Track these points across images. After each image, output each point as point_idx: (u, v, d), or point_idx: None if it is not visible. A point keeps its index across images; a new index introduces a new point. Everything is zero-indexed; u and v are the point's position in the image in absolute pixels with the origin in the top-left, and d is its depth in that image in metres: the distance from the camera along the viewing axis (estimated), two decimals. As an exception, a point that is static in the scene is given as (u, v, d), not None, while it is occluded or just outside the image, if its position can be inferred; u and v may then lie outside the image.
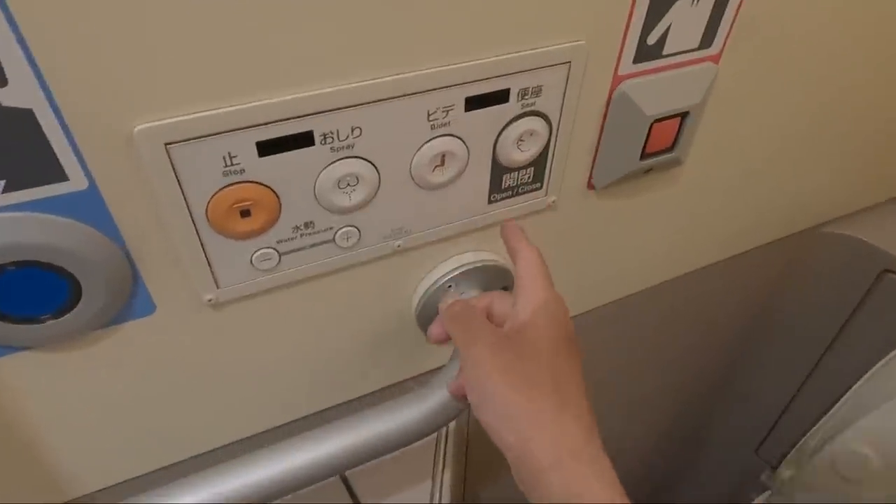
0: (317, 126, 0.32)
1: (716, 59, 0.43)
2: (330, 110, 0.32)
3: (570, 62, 0.37)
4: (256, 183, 0.33)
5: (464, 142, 0.37)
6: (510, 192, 0.42)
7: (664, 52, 0.40)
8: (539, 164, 0.42)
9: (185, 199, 0.31)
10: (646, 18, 0.37)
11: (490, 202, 0.42)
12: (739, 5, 0.40)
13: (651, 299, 0.63)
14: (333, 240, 0.38)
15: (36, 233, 0.29)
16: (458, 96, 0.35)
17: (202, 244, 0.34)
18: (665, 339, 0.75)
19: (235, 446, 0.47)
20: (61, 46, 0.25)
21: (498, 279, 0.47)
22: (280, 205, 0.34)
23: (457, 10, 0.32)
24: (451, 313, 0.38)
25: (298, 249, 0.37)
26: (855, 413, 0.71)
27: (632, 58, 0.39)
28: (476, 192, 0.41)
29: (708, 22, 0.40)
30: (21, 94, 0.25)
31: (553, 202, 0.45)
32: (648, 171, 0.47)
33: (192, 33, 0.27)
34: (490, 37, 0.33)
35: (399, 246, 0.41)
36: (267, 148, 0.31)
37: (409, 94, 0.33)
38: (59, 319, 0.32)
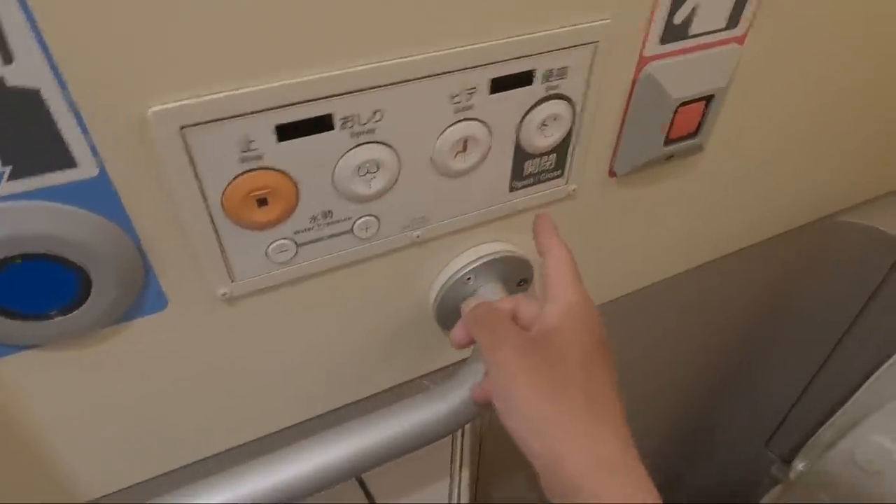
0: (337, 109, 0.30)
1: (741, 40, 0.42)
2: (351, 92, 0.30)
3: (596, 42, 0.35)
4: (274, 170, 0.31)
5: (487, 126, 0.36)
6: (531, 180, 0.41)
7: (690, 33, 0.39)
8: (561, 150, 0.40)
9: (200, 186, 0.30)
10: (674, -4, 0.36)
11: (511, 190, 0.41)
12: (767, -17, 0.39)
13: (665, 292, 0.62)
14: (352, 230, 0.36)
15: (44, 223, 0.27)
16: (483, 78, 0.33)
17: (217, 235, 0.32)
18: (678, 332, 0.74)
19: (248, 447, 0.45)
20: (71, 20, 0.23)
21: (518, 271, 0.46)
22: (298, 193, 0.33)
23: (483, -15, 0.30)
24: (474, 315, 0.37)
25: (316, 241, 0.36)
26: (873, 403, 0.70)
27: (658, 38, 0.38)
28: (497, 180, 0.39)
29: (735, 1, 0.39)
30: (28, 72, 0.23)
31: (573, 191, 0.43)
32: (670, 157, 0.45)
33: (210, 7, 0.25)
34: (516, 15, 0.32)
35: (418, 237, 0.39)
36: (286, 132, 0.30)
37: (432, 75, 0.32)
38: (68, 316, 0.31)
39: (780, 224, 0.65)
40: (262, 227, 0.33)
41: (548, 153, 0.40)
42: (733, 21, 0.40)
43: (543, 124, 0.37)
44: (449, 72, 0.32)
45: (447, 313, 0.45)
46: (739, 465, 1.07)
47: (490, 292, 0.44)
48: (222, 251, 0.33)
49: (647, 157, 0.43)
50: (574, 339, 0.32)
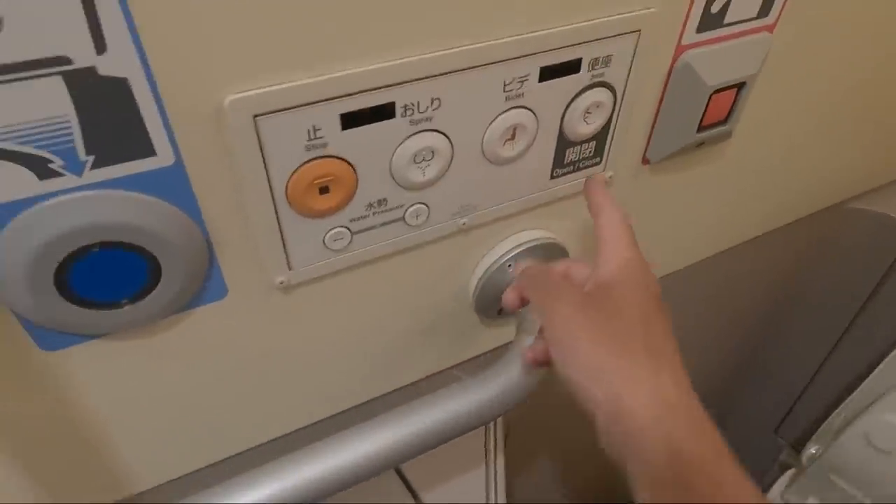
0: (399, 97, 0.31)
1: (771, 28, 0.43)
2: (412, 80, 0.31)
3: (639, 31, 0.36)
4: (338, 158, 0.32)
5: (535, 114, 0.36)
6: (571, 168, 0.42)
7: (725, 21, 0.40)
8: (601, 137, 0.41)
9: (267, 174, 0.30)
10: (712, -15, 0.37)
11: (552, 178, 0.42)
12: (798, -27, 0.40)
13: (689, 278, 0.63)
14: (403, 218, 0.37)
15: (124, 212, 0.28)
16: (534, 66, 0.34)
17: (279, 223, 0.33)
18: (697, 320, 0.75)
19: (292, 437, 0.46)
20: (163, 12, 0.24)
21: (557, 258, 0.46)
22: (357, 181, 0.33)
23: (539, -25, 0.31)
24: (527, 275, 0.36)
25: (370, 228, 0.36)
26: (887, 384, 0.71)
27: (696, 27, 0.39)
28: (540, 167, 0.40)
29: (768, -11, 0.40)
30: (119, 62, 0.24)
31: (610, 178, 0.44)
32: (700, 145, 0.46)
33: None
34: (568, 4, 0.33)
35: (464, 224, 0.40)
36: (350, 120, 0.31)
37: (488, 64, 0.33)
38: (137, 304, 0.31)
39: (796, 211, 0.66)
40: (323, 214, 0.34)
41: (588, 140, 0.41)
42: (765, 10, 0.41)
43: (587, 112, 0.38)
44: (502, 60, 0.33)
45: (487, 300, 0.46)
46: (748, 452, 1.08)
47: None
48: (283, 240, 0.34)
49: (681, 143, 0.44)
50: (631, 294, 0.32)
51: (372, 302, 0.41)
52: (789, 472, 0.95)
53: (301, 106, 0.29)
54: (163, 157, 0.28)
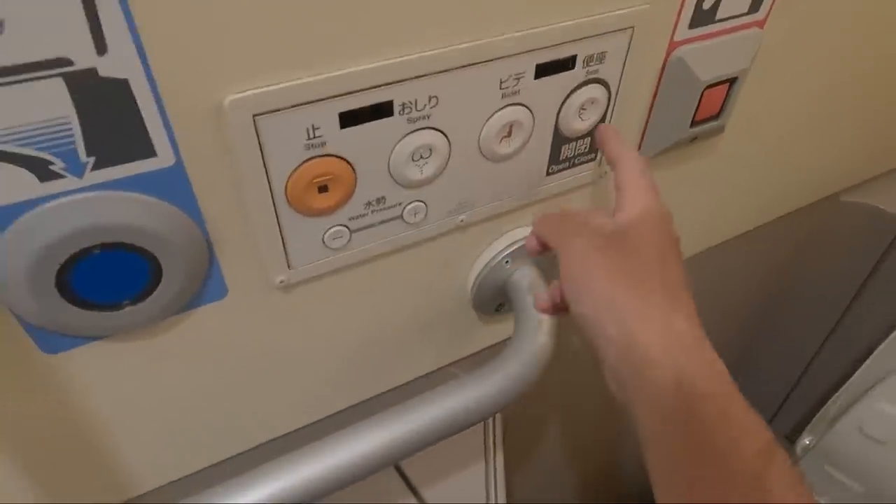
0: (397, 95, 0.31)
1: (761, 24, 0.43)
2: (410, 78, 0.31)
3: (633, 27, 0.37)
4: (336, 156, 0.32)
5: (531, 111, 0.37)
6: (567, 164, 0.42)
7: (717, 17, 0.41)
8: (596, 133, 0.42)
9: (266, 173, 0.31)
10: (704, -18, 0.38)
11: (548, 174, 0.42)
12: (787, -31, 0.41)
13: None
14: (401, 216, 0.37)
15: (125, 212, 0.28)
16: (530, 63, 0.35)
17: (279, 222, 0.33)
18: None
19: (292, 436, 0.46)
20: (163, 13, 0.24)
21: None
22: (356, 179, 0.34)
23: (534, -27, 0.31)
24: (546, 218, 0.36)
25: (368, 227, 0.36)
26: (879, 374, 0.72)
27: (688, 23, 0.39)
28: (536, 164, 0.41)
29: (758, -15, 0.40)
30: (119, 63, 0.24)
31: (605, 173, 0.45)
32: (693, 139, 0.47)
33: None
34: (561, 2, 0.33)
35: (461, 221, 0.40)
36: (349, 119, 0.31)
37: (485, 62, 0.33)
38: (138, 305, 0.31)
39: (787, 204, 0.67)
40: (322, 213, 0.34)
41: (583, 137, 0.41)
42: (756, 5, 0.42)
43: (582, 108, 0.39)
44: (499, 58, 0.33)
45: (485, 296, 0.46)
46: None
47: (527, 274, 0.45)
48: (282, 239, 0.34)
49: (675, 138, 0.45)
50: (649, 238, 0.32)
51: (371, 300, 0.42)
52: (784, 464, 0.96)
53: (300, 105, 0.29)
54: (163, 158, 0.28)
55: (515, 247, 0.44)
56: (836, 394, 0.78)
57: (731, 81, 0.44)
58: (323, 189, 0.33)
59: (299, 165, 0.31)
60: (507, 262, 0.45)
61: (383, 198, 0.36)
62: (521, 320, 0.44)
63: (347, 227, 0.36)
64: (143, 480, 0.42)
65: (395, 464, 0.48)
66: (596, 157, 0.43)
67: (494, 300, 0.48)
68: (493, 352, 0.48)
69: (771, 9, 0.43)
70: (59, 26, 0.22)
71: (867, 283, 0.77)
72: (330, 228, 0.35)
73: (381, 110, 0.32)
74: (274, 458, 0.39)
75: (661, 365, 0.28)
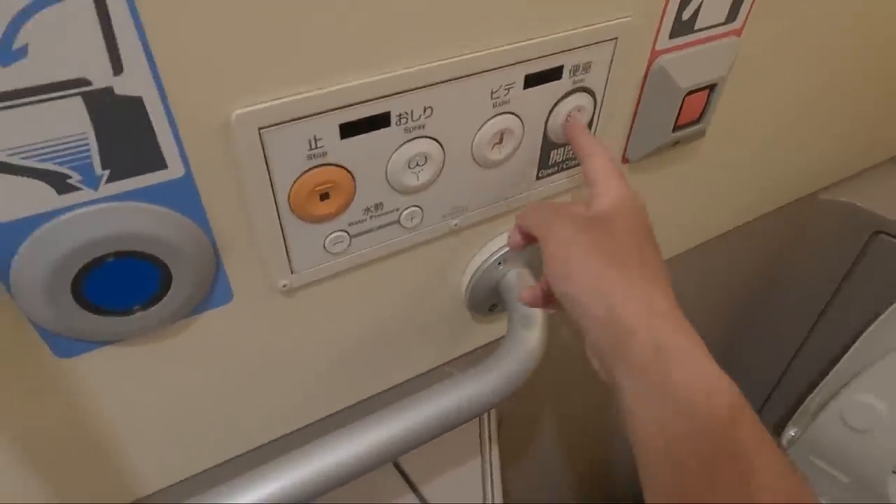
0: (394, 107, 0.33)
1: (738, 32, 0.46)
2: (406, 91, 0.33)
3: (616, 38, 0.39)
4: (337, 165, 0.33)
5: (520, 119, 0.39)
6: (556, 168, 0.44)
7: (696, 27, 0.43)
8: (583, 139, 0.43)
9: (271, 183, 0.32)
10: (683, -6, 0.40)
11: (538, 178, 0.44)
12: (762, -20, 0.43)
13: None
14: (398, 221, 0.39)
15: (137, 222, 0.29)
16: (519, 74, 0.36)
17: (282, 229, 0.34)
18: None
19: (293, 436, 0.47)
20: (176, 35, 0.25)
21: (543, 254, 0.49)
22: (355, 187, 0.35)
23: (522, -11, 0.33)
24: (526, 209, 0.38)
25: (367, 231, 0.38)
26: (859, 366, 0.75)
27: (668, 33, 0.41)
28: (527, 169, 0.43)
29: (735, -4, 0.43)
30: (134, 82, 0.25)
31: (592, 177, 0.47)
32: (676, 143, 0.49)
33: (291, 15, 0.27)
34: (549, 15, 0.35)
35: (455, 225, 0.42)
36: (348, 130, 0.32)
37: (477, 73, 0.35)
38: (148, 311, 0.33)
39: (767, 203, 0.69)
40: (323, 219, 0.35)
41: (571, 142, 0.43)
42: (732, 15, 0.44)
43: (569, 116, 0.40)
44: (490, 69, 0.35)
45: (480, 296, 0.48)
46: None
47: (519, 276, 0.47)
48: (286, 245, 0.35)
49: (658, 143, 0.47)
50: (626, 223, 0.34)
51: (370, 302, 0.43)
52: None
53: (303, 118, 0.31)
54: (173, 170, 0.29)
55: (508, 249, 0.46)
56: (819, 387, 0.81)
57: (711, 88, 0.46)
58: (324, 196, 0.34)
59: (302, 175, 0.33)
60: (499, 263, 0.46)
61: (381, 204, 0.37)
62: (514, 319, 0.46)
63: (347, 232, 0.37)
64: (149, 481, 0.43)
65: (394, 460, 0.49)
66: (583, 161, 0.45)
67: (488, 300, 0.49)
68: (487, 350, 0.50)
69: (747, 18, 0.45)
70: (79, 49, 0.24)
71: (846, 278, 0.80)
72: (331, 234, 0.37)
73: (379, 121, 0.33)
74: (276, 457, 0.41)
75: (640, 334, 0.29)
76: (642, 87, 0.44)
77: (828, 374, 0.80)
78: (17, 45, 0.22)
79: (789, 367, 0.95)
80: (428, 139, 0.36)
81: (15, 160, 0.25)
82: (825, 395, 0.81)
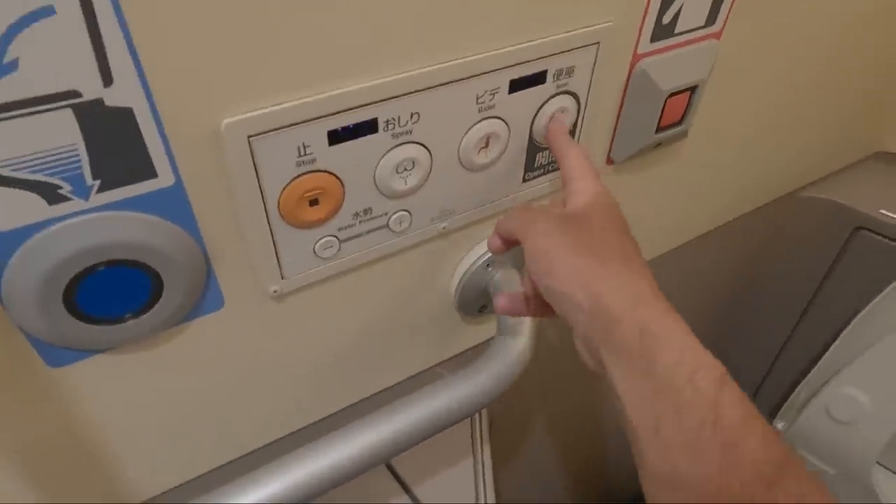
0: (381, 113, 0.34)
1: (718, 35, 0.47)
2: (393, 97, 0.33)
3: (598, 43, 0.39)
4: (325, 171, 0.34)
5: (506, 123, 0.39)
6: (541, 171, 0.45)
7: (676, 31, 0.43)
8: (567, 142, 0.44)
9: (260, 190, 0.32)
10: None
11: (524, 181, 0.44)
12: (739, -16, 0.44)
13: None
14: (387, 225, 0.39)
15: (128, 231, 0.29)
16: (504, 79, 0.37)
17: (272, 235, 0.35)
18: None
19: (287, 440, 0.48)
20: (164, 45, 0.26)
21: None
22: (344, 192, 0.36)
23: (505, -3, 0.34)
24: (506, 215, 0.39)
25: (357, 236, 0.38)
26: (843, 360, 0.76)
27: (649, 37, 0.42)
28: (513, 172, 0.43)
29: (713, 1, 0.43)
30: (124, 93, 0.26)
31: (577, 178, 0.47)
32: (659, 144, 0.50)
33: (278, 25, 0.28)
34: (533, 21, 0.36)
35: (444, 228, 0.43)
36: (336, 136, 0.33)
37: (462, 79, 0.35)
38: (139, 318, 0.33)
39: (749, 202, 0.70)
40: (312, 225, 0.36)
41: (556, 145, 0.44)
42: (711, 19, 0.45)
43: (552, 117, 0.41)
44: (475, 75, 0.36)
45: (469, 298, 0.49)
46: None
47: (508, 277, 0.47)
48: (276, 251, 0.36)
49: (641, 144, 0.48)
50: (603, 220, 0.35)
51: (361, 305, 0.44)
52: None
53: (291, 125, 0.31)
54: (164, 179, 0.29)
55: (495, 251, 0.47)
56: (804, 380, 0.82)
57: (692, 90, 0.47)
58: (313, 202, 0.35)
59: (291, 181, 0.33)
60: (488, 265, 0.47)
61: (370, 208, 0.38)
62: (503, 320, 0.46)
63: (337, 237, 0.38)
64: (143, 487, 0.43)
65: (386, 462, 0.50)
66: (568, 163, 0.46)
67: (477, 302, 0.50)
68: (478, 352, 0.50)
69: (726, 21, 0.46)
70: (69, 61, 0.24)
71: (829, 274, 0.81)
72: (320, 239, 0.37)
73: (367, 127, 0.34)
74: (269, 461, 0.41)
75: (626, 319, 0.30)
76: (625, 90, 0.45)
77: (812, 369, 0.81)
78: (7, 58, 0.23)
79: (775, 364, 0.97)
80: (415, 144, 0.36)
81: (6, 172, 0.25)
82: (810, 388, 0.82)
